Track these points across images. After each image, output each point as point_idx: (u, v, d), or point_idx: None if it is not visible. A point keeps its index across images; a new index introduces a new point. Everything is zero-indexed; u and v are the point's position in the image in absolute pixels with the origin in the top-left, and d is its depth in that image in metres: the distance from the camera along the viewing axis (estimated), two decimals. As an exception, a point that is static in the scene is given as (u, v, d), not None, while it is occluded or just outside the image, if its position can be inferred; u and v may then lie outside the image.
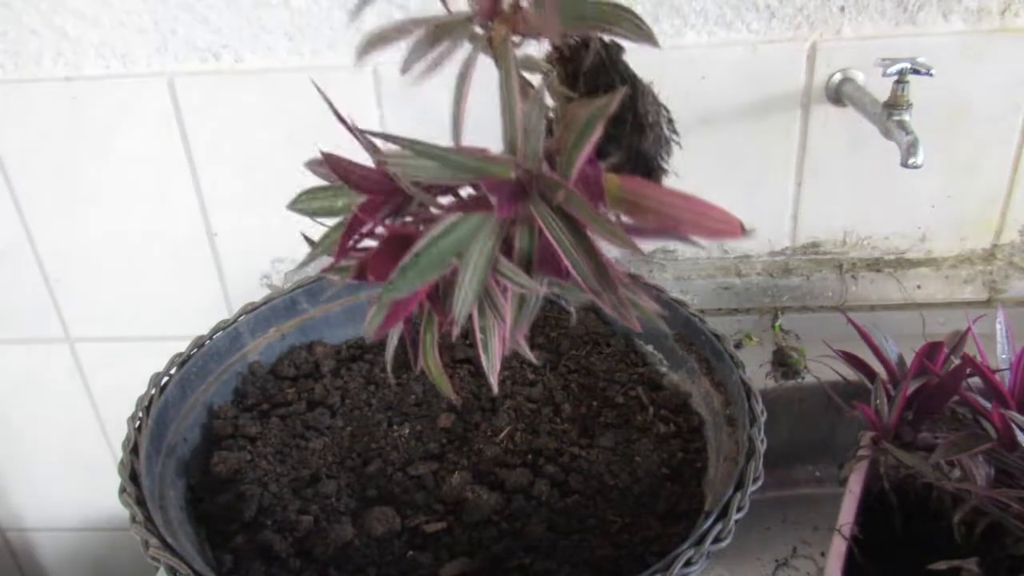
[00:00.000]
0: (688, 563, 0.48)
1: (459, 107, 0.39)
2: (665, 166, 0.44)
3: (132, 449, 0.57)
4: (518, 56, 0.39)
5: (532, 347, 0.73)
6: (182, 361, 0.67)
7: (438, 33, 0.39)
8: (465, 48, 0.39)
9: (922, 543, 0.67)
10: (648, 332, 0.72)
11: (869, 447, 0.69)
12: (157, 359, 0.67)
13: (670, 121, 0.44)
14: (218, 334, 0.71)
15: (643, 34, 0.36)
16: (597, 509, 0.59)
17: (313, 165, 0.46)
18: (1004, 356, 0.70)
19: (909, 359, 0.71)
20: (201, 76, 0.82)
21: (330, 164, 0.42)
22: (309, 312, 0.77)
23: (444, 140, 0.87)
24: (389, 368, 0.48)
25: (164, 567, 0.49)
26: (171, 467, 0.60)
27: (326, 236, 0.44)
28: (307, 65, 0.81)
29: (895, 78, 0.69)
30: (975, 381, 0.68)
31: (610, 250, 0.35)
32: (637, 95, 0.42)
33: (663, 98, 0.74)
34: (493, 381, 0.40)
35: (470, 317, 0.38)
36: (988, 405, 0.66)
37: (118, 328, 0.97)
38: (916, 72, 0.69)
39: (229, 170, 0.87)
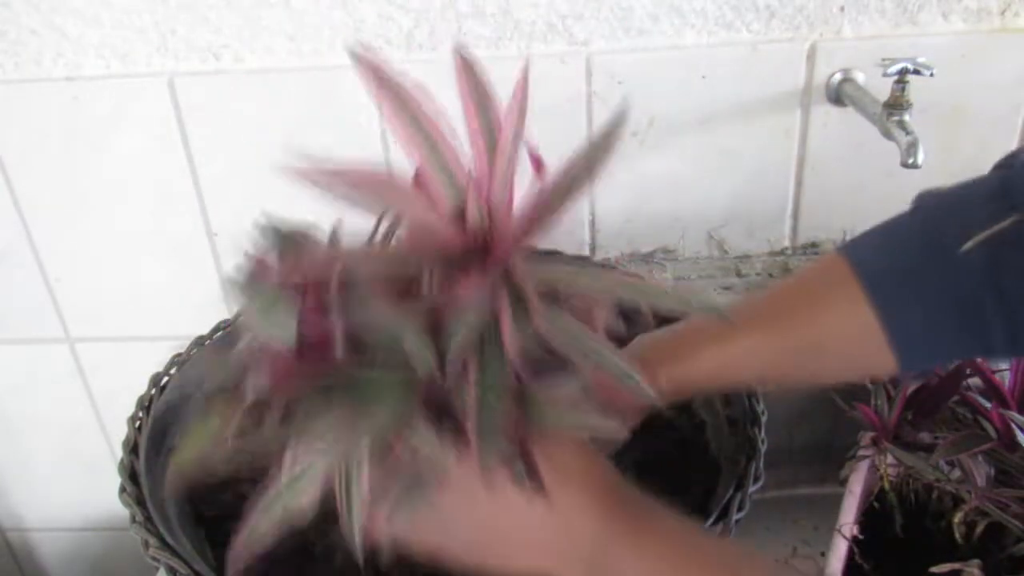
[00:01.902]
0: (688, 563, 0.48)
1: None
2: None
3: (132, 449, 0.57)
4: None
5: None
6: (182, 361, 0.67)
7: None
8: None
9: (922, 543, 0.67)
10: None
11: (869, 447, 0.69)
12: (157, 359, 0.67)
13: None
14: (218, 334, 0.71)
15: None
16: (597, 509, 0.58)
17: None
18: (1004, 356, 0.70)
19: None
20: (201, 76, 0.82)
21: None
22: (309, 312, 0.77)
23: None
24: None
25: (164, 567, 0.49)
26: (171, 467, 0.60)
27: None
28: (307, 65, 0.81)
29: (895, 78, 0.69)
30: (975, 381, 0.68)
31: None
32: None
33: (660, 97, 0.75)
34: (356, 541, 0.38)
35: None
36: (988, 405, 0.66)
37: (118, 328, 0.97)
38: (916, 72, 0.69)
39: (229, 170, 0.87)
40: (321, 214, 0.93)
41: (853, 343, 0.50)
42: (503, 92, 0.86)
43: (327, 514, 0.59)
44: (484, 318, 0.36)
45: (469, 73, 0.41)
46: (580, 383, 0.39)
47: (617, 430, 0.38)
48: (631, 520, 0.41)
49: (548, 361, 0.39)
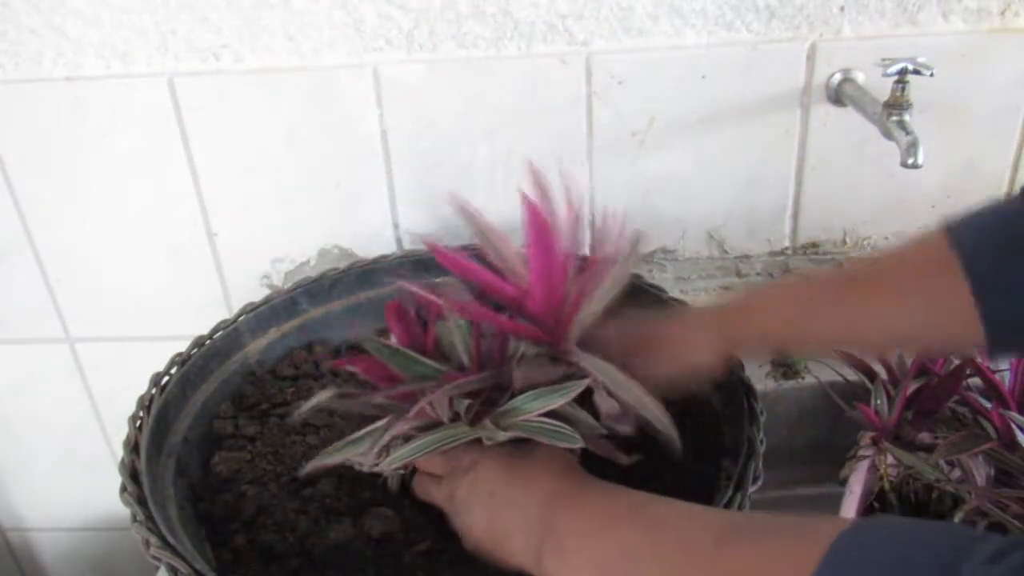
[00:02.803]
0: (688, 563, 0.48)
1: None
2: None
3: (133, 448, 0.57)
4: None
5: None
6: (182, 361, 0.67)
7: None
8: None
9: (922, 543, 0.67)
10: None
11: (869, 447, 0.69)
12: (157, 359, 0.67)
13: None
14: (218, 334, 0.71)
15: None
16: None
17: None
18: (1004, 356, 0.70)
19: (909, 359, 0.71)
20: (201, 76, 0.82)
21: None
22: (309, 312, 0.77)
23: (441, 139, 0.87)
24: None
25: (165, 566, 0.49)
26: (171, 467, 0.60)
27: None
28: (307, 65, 0.81)
29: (895, 78, 0.69)
30: (975, 381, 0.68)
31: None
32: None
33: (660, 97, 0.75)
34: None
35: None
36: (988, 405, 0.66)
37: (118, 328, 0.97)
38: (916, 72, 0.69)
39: (229, 170, 0.87)
40: (319, 215, 0.93)
41: (944, 315, 0.51)
42: (502, 93, 0.86)
43: (328, 514, 0.59)
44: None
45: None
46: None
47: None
48: (574, 484, 0.50)
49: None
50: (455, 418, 0.54)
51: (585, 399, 0.56)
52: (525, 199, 0.53)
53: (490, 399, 0.54)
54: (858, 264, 0.58)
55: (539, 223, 0.52)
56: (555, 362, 0.56)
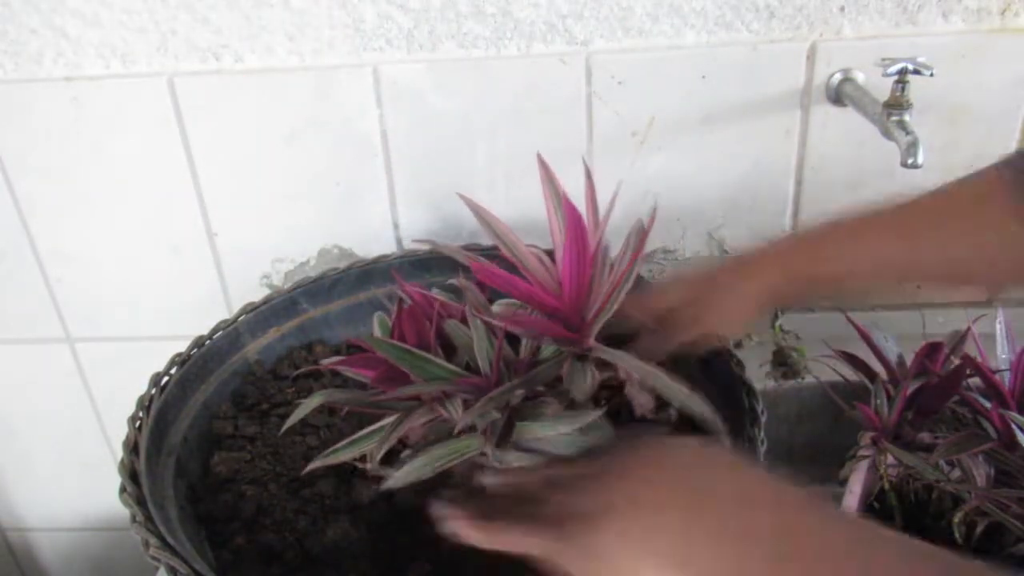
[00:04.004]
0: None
1: None
2: None
3: (132, 449, 0.57)
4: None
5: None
6: (182, 361, 0.67)
7: None
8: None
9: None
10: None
11: (869, 447, 0.69)
12: (157, 359, 0.67)
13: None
14: (218, 334, 0.71)
15: None
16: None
17: None
18: (1004, 356, 0.70)
19: (909, 359, 0.71)
20: (201, 76, 0.82)
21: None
22: (309, 312, 0.77)
23: (441, 139, 0.87)
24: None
25: (164, 567, 0.49)
26: (171, 467, 0.60)
27: None
28: (307, 65, 0.81)
29: (895, 78, 0.69)
30: (975, 381, 0.68)
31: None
32: None
33: (660, 97, 0.75)
34: None
35: None
36: (988, 405, 0.65)
37: (118, 328, 0.97)
38: (916, 72, 0.69)
39: (229, 170, 0.87)
40: (319, 215, 0.92)
41: (996, 244, 0.51)
42: (502, 93, 0.86)
43: (327, 514, 0.59)
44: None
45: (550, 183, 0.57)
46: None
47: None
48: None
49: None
50: (471, 428, 0.53)
51: (617, 393, 0.57)
52: (564, 199, 0.54)
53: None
54: (907, 200, 0.57)
55: (576, 223, 0.53)
56: (583, 360, 0.56)
